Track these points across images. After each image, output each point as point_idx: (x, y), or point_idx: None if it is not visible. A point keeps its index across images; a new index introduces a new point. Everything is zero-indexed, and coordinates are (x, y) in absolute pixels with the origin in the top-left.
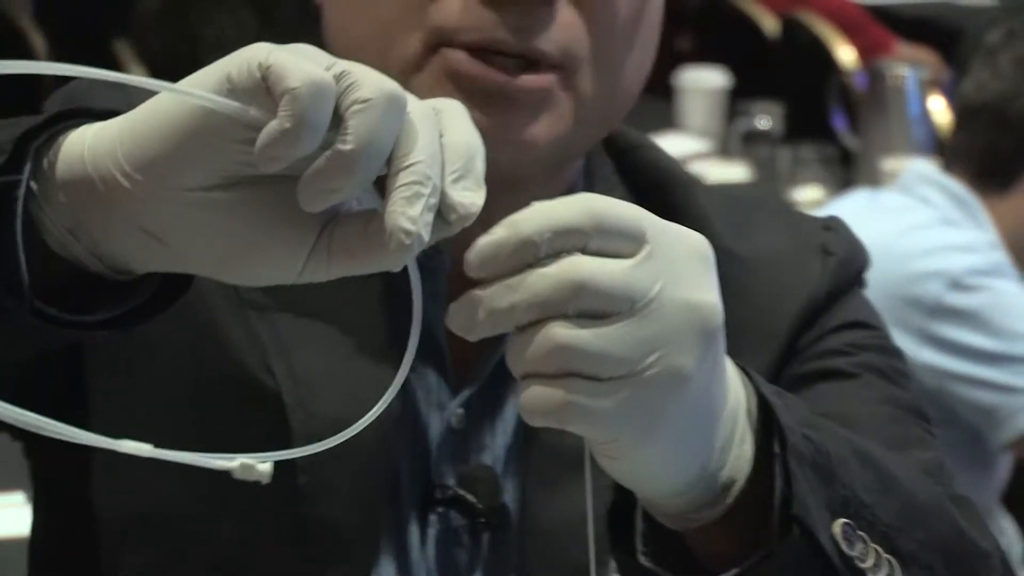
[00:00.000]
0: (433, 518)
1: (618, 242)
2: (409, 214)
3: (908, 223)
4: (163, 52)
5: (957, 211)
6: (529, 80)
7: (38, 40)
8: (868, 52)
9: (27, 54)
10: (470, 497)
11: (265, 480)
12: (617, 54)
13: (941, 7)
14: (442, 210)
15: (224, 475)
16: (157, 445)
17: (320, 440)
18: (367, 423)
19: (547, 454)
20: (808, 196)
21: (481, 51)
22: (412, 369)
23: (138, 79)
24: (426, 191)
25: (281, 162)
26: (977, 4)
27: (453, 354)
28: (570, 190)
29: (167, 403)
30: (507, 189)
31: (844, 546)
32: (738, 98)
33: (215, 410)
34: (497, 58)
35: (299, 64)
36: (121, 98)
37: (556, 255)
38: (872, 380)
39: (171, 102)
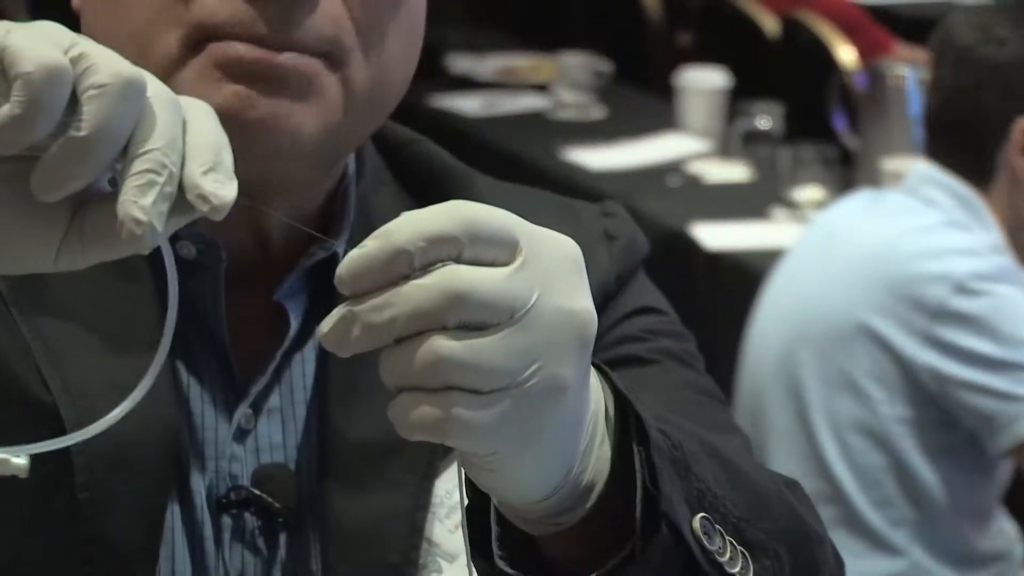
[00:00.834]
0: (227, 520)
1: (492, 250)
2: (140, 203)
3: (912, 225)
4: None
5: (962, 212)
6: (292, 58)
7: None
8: (868, 52)
9: None
10: (266, 497)
11: (22, 474)
12: (384, 42)
13: (941, 7)
14: (194, 202)
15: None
16: None
17: (97, 453)
18: (113, 420)
19: (343, 451)
20: (808, 196)
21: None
22: (195, 370)
23: None
24: (161, 179)
25: (12, 147)
26: (978, 4)
27: (237, 351)
28: (343, 188)
29: None
30: (282, 189)
31: (704, 540)
32: (738, 98)
33: None
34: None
35: (34, 47)
36: None
37: (430, 265)
38: (670, 366)
39: None
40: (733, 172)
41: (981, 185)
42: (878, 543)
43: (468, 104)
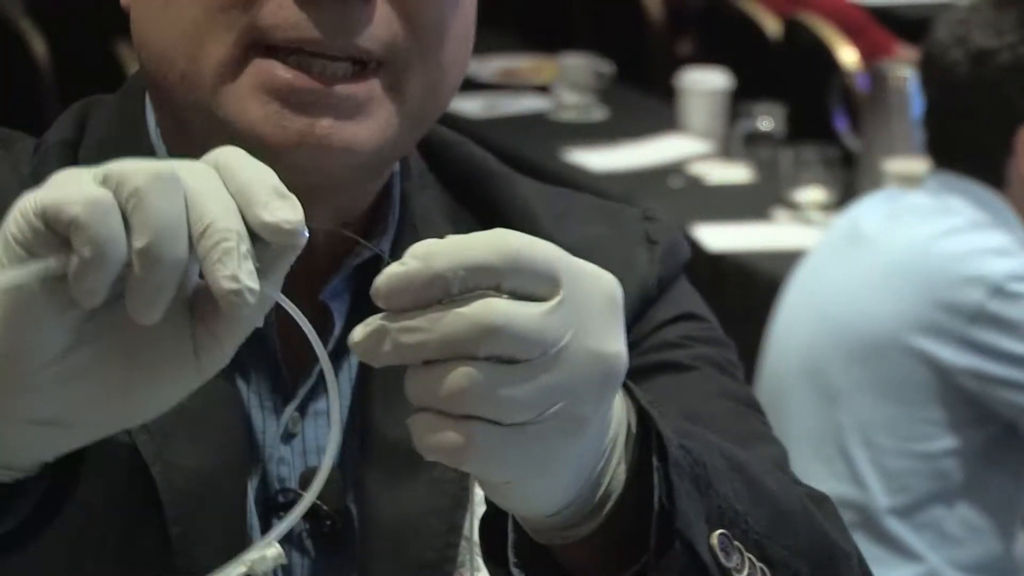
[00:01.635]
0: (276, 523)
1: (532, 283)
2: (225, 274)
3: (940, 227)
4: None
5: (983, 214)
6: (350, 87)
7: (37, 41)
8: (870, 53)
9: (27, 55)
10: (315, 499)
11: (283, 561)
12: (439, 49)
13: (942, 8)
14: (272, 239)
15: (85, 546)
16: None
17: (183, 490)
18: (316, 493)
19: (384, 450)
20: (810, 197)
21: (298, 53)
22: (244, 374)
23: None
24: (232, 244)
25: (100, 292)
26: (955, 15)
27: (283, 354)
28: (386, 191)
29: None
30: (329, 195)
31: (722, 558)
32: (740, 99)
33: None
34: (316, 62)
35: (67, 192)
36: None
37: (468, 292)
38: (710, 373)
39: None
40: (734, 173)
41: (996, 189)
42: (897, 548)
43: (469, 105)
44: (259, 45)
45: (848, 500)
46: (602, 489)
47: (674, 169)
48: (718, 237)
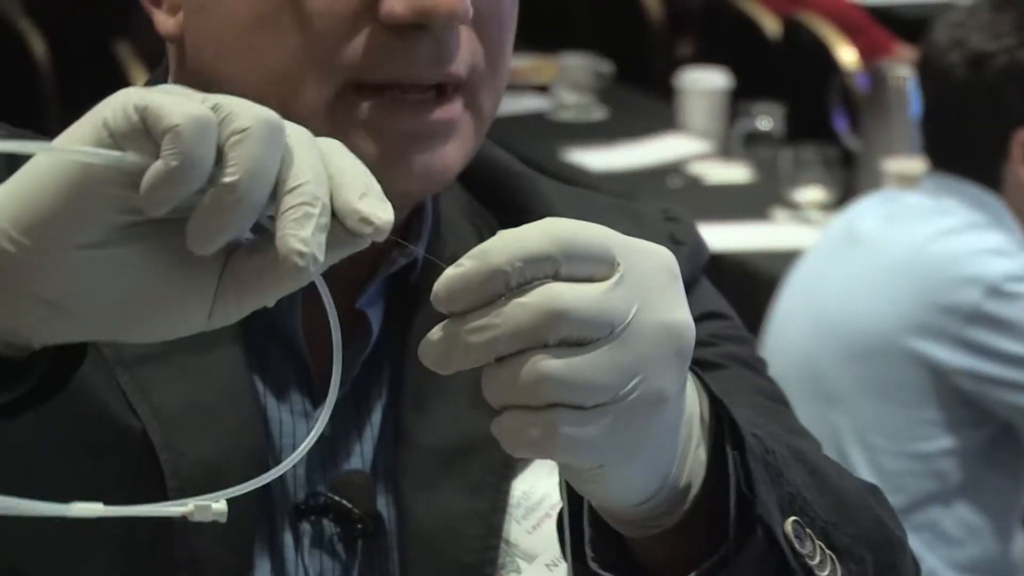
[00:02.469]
0: (306, 527)
1: (589, 266)
2: (300, 235)
3: (937, 228)
4: (164, 52)
5: (980, 215)
6: (442, 113)
7: (37, 41)
8: (869, 53)
9: (27, 55)
10: (345, 503)
11: (222, 519)
12: (503, 59)
13: (942, 7)
14: (355, 227)
15: (88, 522)
16: (23, 487)
17: (189, 478)
18: (304, 451)
19: (418, 456)
20: (809, 197)
21: (392, 88)
22: (272, 378)
23: (7, 144)
24: (315, 210)
25: (168, 203)
26: (953, 17)
27: (313, 358)
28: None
29: (33, 451)
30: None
31: (796, 544)
32: (739, 99)
33: (81, 454)
34: (411, 92)
35: (176, 101)
36: None
37: (527, 283)
38: (739, 371)
39: (50, 163)
40: (734, 173)
41: (993, 191)
42: None
43: None
44: (354, 83)
45: None
46: (685, 474)
47: (673, 169)
48: (718, 237)
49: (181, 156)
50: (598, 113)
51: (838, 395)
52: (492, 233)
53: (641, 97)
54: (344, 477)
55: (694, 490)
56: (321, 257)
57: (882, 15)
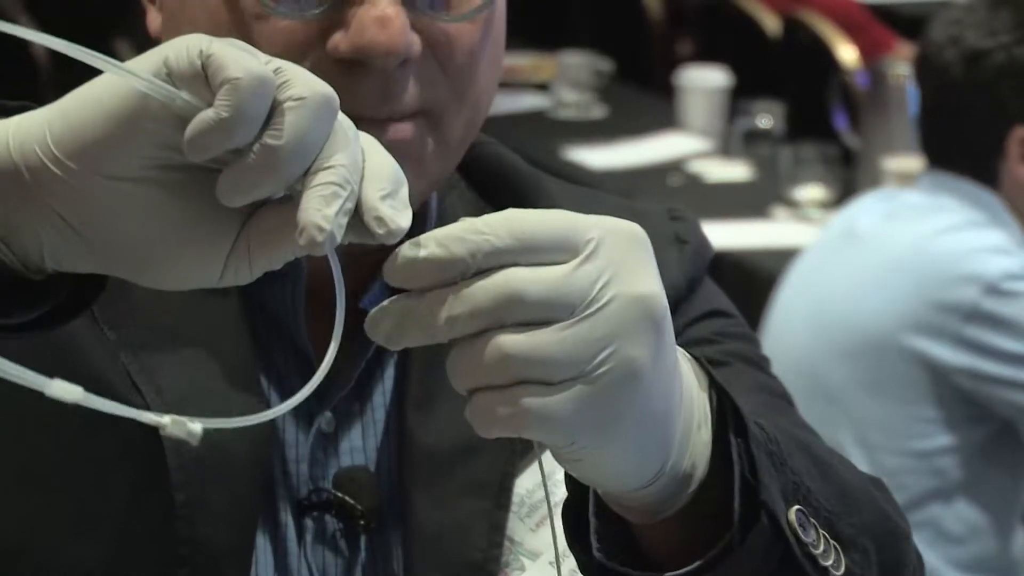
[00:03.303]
0: (309, 523)
1: (550, 255)
2: (325, 212)
3: (936, 226)
4: None
5: (979, 212)
6: (393, 133)
7: None
8: (869, 51)
9: (26, 55)
10: (348, 499)
11: (194, 442)
12: (475, 81)
13: (941, 5)
14: (369, 223)
15: (92, 499)
16: (24, 460)
17: (190, 458)
18: (298, 401)
19: (423, 455)
20: (809, 195)
21: None
22: (276, 376)
23: (81, 51)
24: (344, 194)
25: (211, 152)
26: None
27: (318, 362)
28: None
29: (36, 423)
30: None
31: (800, 532)
32: (739, 97)
33: (83, 428)
34: (362, 121)
35: (240, 56)
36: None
37: (487, 270)
38: (742, 368)
39: (104, 88)
40: (734, 171)
41: (990, 188)
42: None
43: None
44: None
45: None
46: (687, 457)
47: (673, 167)
48: (717, 235)
49: (233, 109)
50: (598, 111)
51: (837, 393)
52: None
53: (641, 95)
54: (347, 473)
55: (698, 475)
56: (339, 237)
57: (882, 13)
